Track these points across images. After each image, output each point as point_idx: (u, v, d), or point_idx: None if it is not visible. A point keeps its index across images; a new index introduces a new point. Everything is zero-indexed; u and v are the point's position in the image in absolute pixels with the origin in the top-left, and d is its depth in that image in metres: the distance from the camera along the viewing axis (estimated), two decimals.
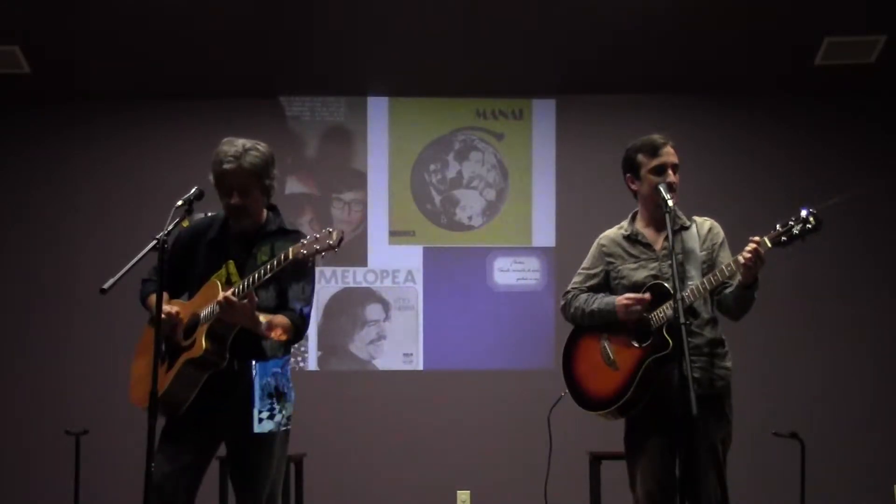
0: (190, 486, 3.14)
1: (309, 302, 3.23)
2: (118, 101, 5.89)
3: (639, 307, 3.18)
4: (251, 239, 3.22)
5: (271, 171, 3.19)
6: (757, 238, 2.97)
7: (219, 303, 2.98)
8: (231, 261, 3.18)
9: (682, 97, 5.93)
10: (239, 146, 3.11)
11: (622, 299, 3.22)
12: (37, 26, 5.37)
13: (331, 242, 2.87)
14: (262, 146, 3.16)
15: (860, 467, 5.65)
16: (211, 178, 3.15)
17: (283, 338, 3.16)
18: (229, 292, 2.99)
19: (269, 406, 3.17)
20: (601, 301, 3.31)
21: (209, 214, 3.35)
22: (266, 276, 2.97)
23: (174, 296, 3.28)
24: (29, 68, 5.65)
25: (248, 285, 2.99)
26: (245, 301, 2.99)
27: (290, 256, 2.90)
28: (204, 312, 3.11)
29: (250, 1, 5.29)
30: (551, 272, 5.89)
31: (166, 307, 3.13)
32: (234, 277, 3.16)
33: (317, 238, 2.89)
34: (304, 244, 2.91)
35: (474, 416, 5.77)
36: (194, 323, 3.15)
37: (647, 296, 3.18)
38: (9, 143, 5.93)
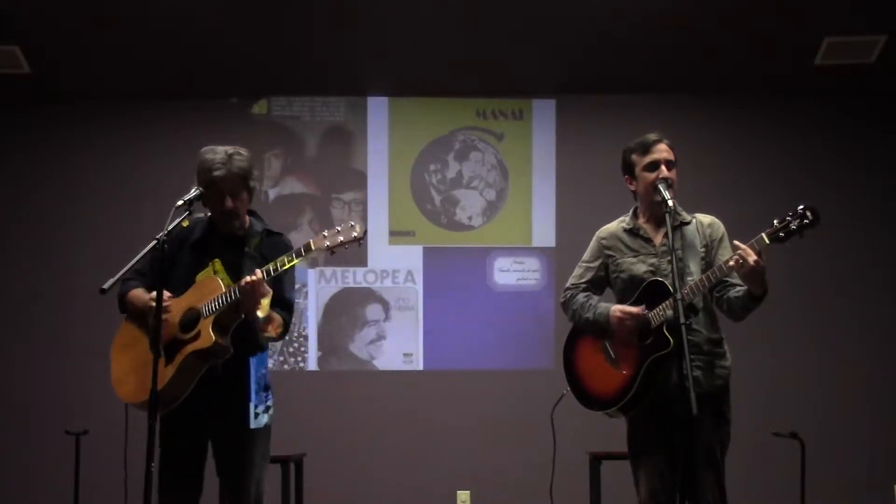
0: (198, 474, 3.25)
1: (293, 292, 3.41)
2: (118, 101, 5.88)
3: (631, 323, 3.19)
4: (239, 239, 3.27)
5: (254, 172, 3.27)
6: (739, 244, 2.99)
7: (242, 287, 3.03)
8: (217, 259, 3.24)
9: (681, 97, 5.93)
10: (223, 153, 3.18)
11: (616, 312, 3.23)
12: (37, 26, 5.36)
13: (356, 234, 3.01)
14: (243, 150, 3.24)
15: (860, 467, 5.65)
16: (195, 188, 3.16)
17: (274, 333, 3.24)
18: (248, 279, 3.04)
19: (263, 399, 3.23)
20: (596, 310, 3.30)
21: (197, 216, 3.36)
22: (288, 266, 3.07)
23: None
24: (29, 68, 5.65)
25: (273, 270, 3.06)
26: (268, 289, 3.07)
27: (313, 248, 3.02)
28: (205, 306, 3.15)
29: (250, 1, 5.29)
30: (551, 272, 5.89)
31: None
32: (222, 275, 3.22)
33: (338, 231, 3.03)
34: (326, 235, 3.03)
35: (474, 416, 5.76)
36: (193, 317, 3.17)
37: (640, 310, 3.18)
38: (9, 143, 5.93)
